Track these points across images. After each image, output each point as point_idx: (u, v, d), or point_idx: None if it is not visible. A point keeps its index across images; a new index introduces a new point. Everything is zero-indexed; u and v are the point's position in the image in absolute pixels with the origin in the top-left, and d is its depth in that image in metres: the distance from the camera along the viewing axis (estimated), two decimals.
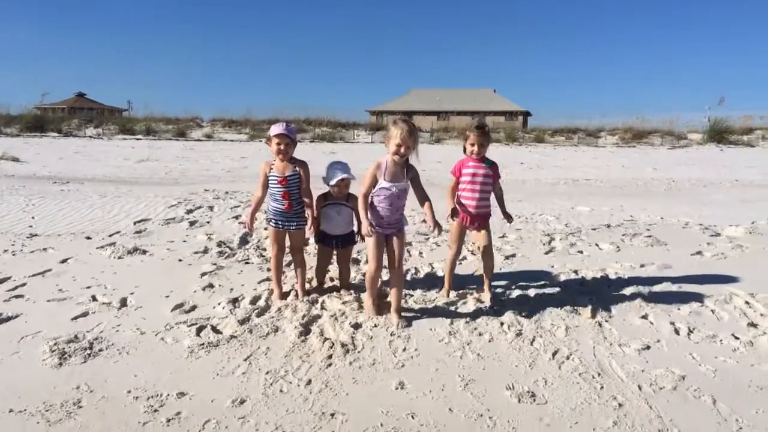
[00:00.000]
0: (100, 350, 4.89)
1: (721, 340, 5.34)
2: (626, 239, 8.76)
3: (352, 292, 6.16)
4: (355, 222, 6.05)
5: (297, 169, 5.62)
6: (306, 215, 5.70)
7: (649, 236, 8.93)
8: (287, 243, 5.97)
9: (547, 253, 7.96)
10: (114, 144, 22.95)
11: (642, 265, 7.40)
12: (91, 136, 27.72)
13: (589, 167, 16.96)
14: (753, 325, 5.68)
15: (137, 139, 26.72)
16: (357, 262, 7.40)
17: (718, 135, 29.20)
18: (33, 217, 9.46)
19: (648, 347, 5.19)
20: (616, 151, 24.00)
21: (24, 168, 15.07)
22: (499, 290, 6.42)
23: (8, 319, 5.43)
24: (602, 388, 4.51)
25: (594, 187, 13.27)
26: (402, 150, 5.10)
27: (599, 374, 4.71)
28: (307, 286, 6.31)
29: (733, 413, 4.20)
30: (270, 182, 5.65)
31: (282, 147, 5.49)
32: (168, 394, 4.26)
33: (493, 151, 24.86)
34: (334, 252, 6.29)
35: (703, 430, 4.00)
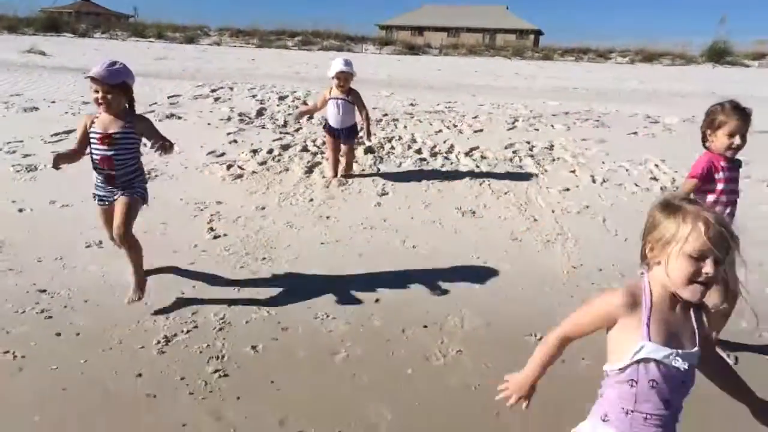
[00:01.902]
0: (156, 176, 6.16)
1: (625, 187, 6.60)
2: (578, 122, 9.86)
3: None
4: (357, 116, 6.28)
5: (128, 125, 3.57)
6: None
7: (597, 120, 10.05)
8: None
9: (509, 129, 9.11)
10: (130, 45, 23.34)
11: (583, 139, 8.57)
12: (106, 37, 27.78)
13: (582, 80, 17.61)
14: (654, 179, 6.91)
15: (150, 41, 26.82)
16: None
17: (717, 55, 28.77)
18: (82, 89, 10.53)
19: (568, 189, 6.45)
20: (611, 66, 24.20)
21: (52, 61, 15.76)
22: (462, 151, 7.60)
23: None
24: (525, 210, 5.80)
25: (577, 94, 14.09)
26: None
27: (525, 203, 6.00)
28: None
29: (615, 226, 5.51)
30: (90, 140, 3.56)
31: (100, 96, 3.42)
32: (209, 202, 5.56)
33: (492, 63, 25.08)
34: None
35: (591, 235, 5.31)
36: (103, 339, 3.37)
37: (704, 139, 3.63)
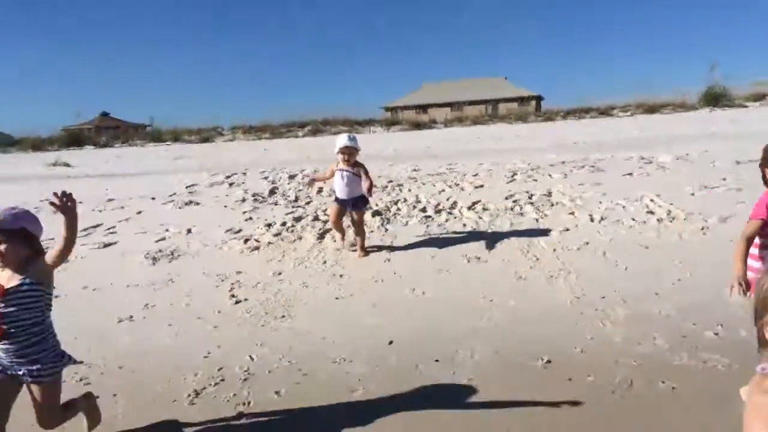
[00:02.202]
0: (179, 255, 6.50)
1: (623, 222, 6.82)
2: (574, 170, 10.17)
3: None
4: (364, 187, 6.05)
5: (28, 279, 2.84)
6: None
7: (593, 166, 10.36)
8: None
9: (508, 182, 9.43)
10: (149, 149, 24.32)
11: (580, 184, 8.85)
12: (126, 146, 28.86)
13: (581, 134, 18.03)
14: (651, 212, 7.13)
15: (168, 144, 27.85)
16: None
17: (713, 100, 29.17)
18: (107, 189, 11.10)
19: (567, 229, 6.69)
20: (611, 120, 24.62)
21: (76, 171, 16.54)
22: (465, 206, 7.90)
23: (109, 244, 7.05)
24: (528, 251, 6.03)
25: (576, 147, 14.42)
26: None
27: (528, 245, 6.23)
28: (335, 240, 6.66)
29: (615, 258, 5.71)
30: None
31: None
32: (229, 273, 5.86)
33: (493, 129, 25.62)
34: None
35: (592, 268, 5.51)
36: (139, 397, 3.60)
37: (764, 178, 3.43)
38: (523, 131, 22.68)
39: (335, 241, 6.71)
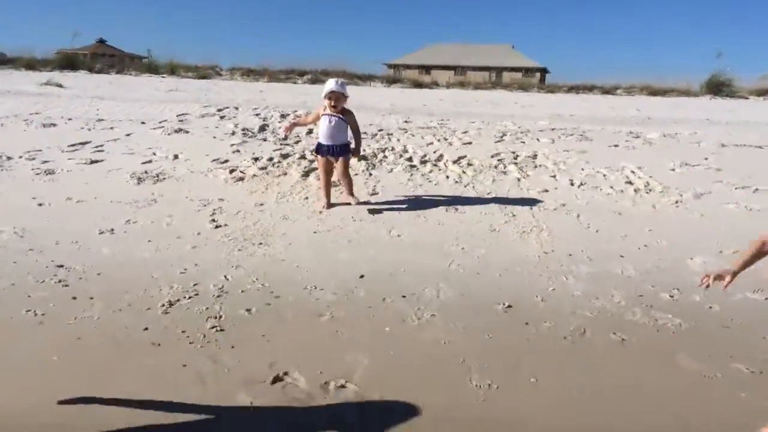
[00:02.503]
0: (164, 178, 6.56)
1: (600, 189, 6.95)
2: (563, 137, 10.27)
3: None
4: (350, 135, 5.95)
5: None
6: None
7: (582, 135, 10.46)
8: None
9: (496, 142, 9.50)
10: (143, 79, 23.97)
11: (566, 150, 8.96)
12: (119, 73, 28.35)
13: (579, 108, 17.99)
14: (629, 182, 7.26)
15: (162, 77, 27.39)
16: None
17: (715, 87, 29.07)
18: (98, 109, 11.03)
19: (546, 190, 6.81)
20: (611, 98, 24.55)
21: (68, 92, 16.29)
22: (451, 160, 7.98)
23: (96, 161, 7.08)
24: (505, 207, 6.15)
25: (572, 119, 14.42)
26: None
27: (506, 202, 6.36)
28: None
29: (588, 221, 5.85)
30: None
31: None
32: (212, 199, 5.94)
33: (494, 95, 25.46)
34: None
35: (565, 227, 5.66)
36: (114, 302, 3.73)
37: None
38: (522, 99, 22.60)
39: (318, 178, 6.78)
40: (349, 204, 5.91)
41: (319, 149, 5.97)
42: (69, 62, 30.93)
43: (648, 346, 3.48)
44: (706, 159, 8.61)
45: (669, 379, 3.14)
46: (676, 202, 6.56)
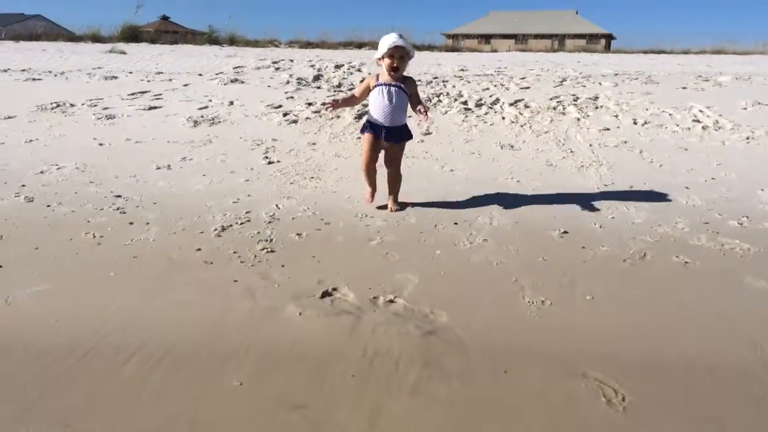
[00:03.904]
0: (219, 122, 6.60)
1: (666, 127, 6.60)
2: (626, 81, 9.79)
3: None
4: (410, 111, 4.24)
5: None
6: None
7: (648, 78, 9.95)
8: None
9: (555, 86, 9.15)
10: (204, 48, 24.20)
11: (629, 92, 8.54)
12: (180, 43, 28.56)
13: (646, 65, 17.14)
14: (697, 121, 6.87)
15: (221, 46, 27.45)
16: None
17: None
18: (157, 64, 11.24)
19: (608, 129, 6.52)
20: (680, 56, 23.31)
21: (131, 58, 16.68)
22: (507, 102, 7.73)
23: (154, 108, 7.19)
24: (563, 144, 5.92)
25: (636, 73, 13.76)
26: None
27: (564, 139, 6.12)
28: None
29: (651, 156, 5.57)
30: None
31: None
32: (265, 139, 5.94)
33: (556, 56, 24.74)
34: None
35: (626, 162, 5.40)
36: (169, 227, 3.77)
37: None
38: (586, 59, 21.78)
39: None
40: (386, 208, 4.29)
41: (369, 127, 4.24)
42: (133, 34, 31.49)
43: (713, 268, 3.27)
44: None
45: (735, 299, 2.95)
46: (747, 138, 6.17)
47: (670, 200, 4.41)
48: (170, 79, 9.32)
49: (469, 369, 2.34)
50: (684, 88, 9.13)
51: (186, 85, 8.81)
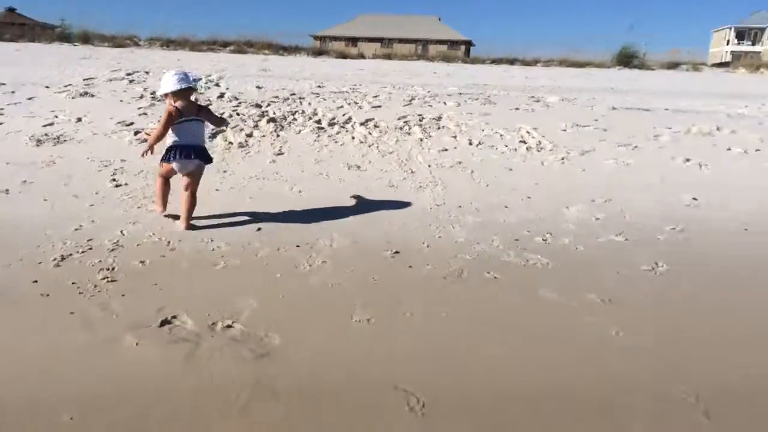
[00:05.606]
0: (65, 140, 6.35)
1: (496, 147, 7.24)
2: (469, 101, 10.55)
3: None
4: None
5: None
6: None
7: (487, 99, 10.78)
8: None
9: (404, 106, 9.66)
10: (54, 47, 22.60)
11: (469, 113, 9.22)
12: (28, 41, 26.49)
13: (495, 77, 18.26)
14: (523, 141, 7.59)
15: (74, 45, 25.70)
16: None
17: (625, 59, 30.11)
18: None
19: (446, 149, 7.04)
20: (528, 69, 25.01)
21: None
22: (358, 122, 8.07)
23: None
24: (405, 165, 6.34)
25: (484, 87, 14.67)
26: None
27: (407, 160, 6.54)
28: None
29: (480, 176, 6.12)
30: None
31: None
32: (114, 160, 5.82)
33: (414, 65, 25.46)
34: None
35: (458, 182, 5.89)
36: (5, 258, 3.65)
37: None
38: (441, 69, 22.83)
39: (228, 142, 6.73)
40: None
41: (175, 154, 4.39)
42: None
43: (515, 282, 3.74)
44: (596, 120, 9.08)
45: (529, 308, 3.42)
46: (563, 158, 6.94)
47: (490, 219, 4.92)
48: (13, 92, 8.73)
49: (298, 389, 2.55)
50: (517, 109, 9.99)
51: (30, 99, 8.30)
